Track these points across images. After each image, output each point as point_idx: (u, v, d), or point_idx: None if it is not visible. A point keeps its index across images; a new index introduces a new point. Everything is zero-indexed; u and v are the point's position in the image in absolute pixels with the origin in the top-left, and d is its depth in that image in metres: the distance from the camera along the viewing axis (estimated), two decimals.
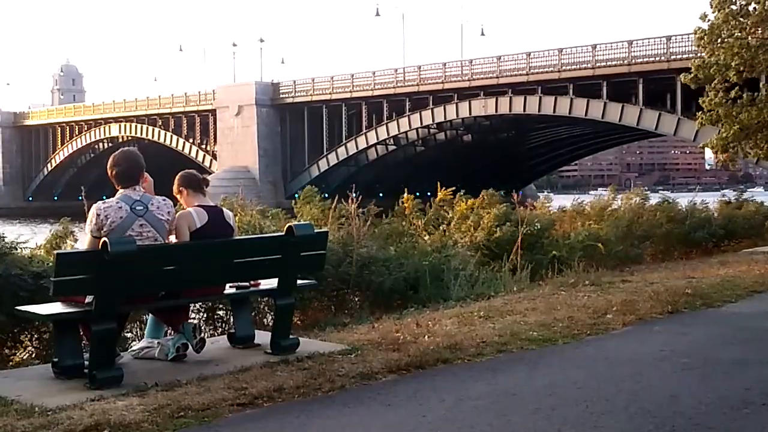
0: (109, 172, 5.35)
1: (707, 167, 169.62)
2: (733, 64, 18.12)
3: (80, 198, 7.48)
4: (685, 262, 13.37)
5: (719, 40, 18.78)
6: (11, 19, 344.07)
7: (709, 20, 19.21)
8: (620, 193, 17.10)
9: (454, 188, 12.38)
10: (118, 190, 5.32)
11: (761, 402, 4.43)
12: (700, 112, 20.93)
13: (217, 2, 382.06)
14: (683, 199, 18.27)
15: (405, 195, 11.55)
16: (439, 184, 12.28)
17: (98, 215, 5.13)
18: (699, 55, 19.95)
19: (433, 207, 11.81)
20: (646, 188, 19.07)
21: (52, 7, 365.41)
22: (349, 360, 5.36)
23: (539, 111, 44.47)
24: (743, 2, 18.72)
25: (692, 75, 19.50)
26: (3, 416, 4.21)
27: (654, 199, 17.26)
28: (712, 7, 19.28)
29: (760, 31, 18.54)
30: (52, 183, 76.84)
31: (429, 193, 12.65)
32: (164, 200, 5.43)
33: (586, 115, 42.38)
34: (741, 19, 18.40)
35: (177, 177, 5.82)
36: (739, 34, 18.44)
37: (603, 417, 4.18)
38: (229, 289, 5.83)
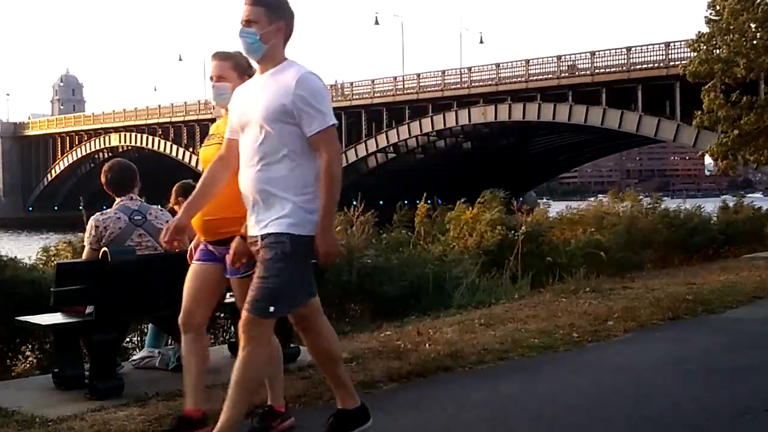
0: (102, 179, 5.36)
1: (707, 173, 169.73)
2: (741, 62, 18.16)
3: (80, 208, 7.49)
4: (685, 268, 13.36)
5: (725, 35, 18.85)
6: (11, 29, 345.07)
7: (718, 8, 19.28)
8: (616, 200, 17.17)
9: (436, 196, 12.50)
10: (114, 200, 5.33)
11: (763, 408, 4.42)
12: (699, 113, 20.91)
13: (216, 11, 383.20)
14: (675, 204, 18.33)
15: (420, 204, 11.74)
16: (437, 190, 12.37)
17: (97, 227, 5.14)
18: (701, 46, 19.91)
19: (435, 218, 11.86)
20: (645, 194, 19.10)
21: (51, 18, 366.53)
22: (350, 368, 5.35)
23: (538, 118, 44.51)
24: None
25: (693, 69, 19.51)
26: (3, 427, 4.20)
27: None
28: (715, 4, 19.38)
29: (759, 33, 18.61)
30: (52, 193, 76.88)
31: (429, 201, 12.70)
32: (161, 210, 5.45)
33: (585, 121, 42.40)
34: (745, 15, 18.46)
35: (174, 188, 5.82)
36: (740, 35, 18.52)
37: (605, 424, 4.17)
38: (229, 298, 5.82)
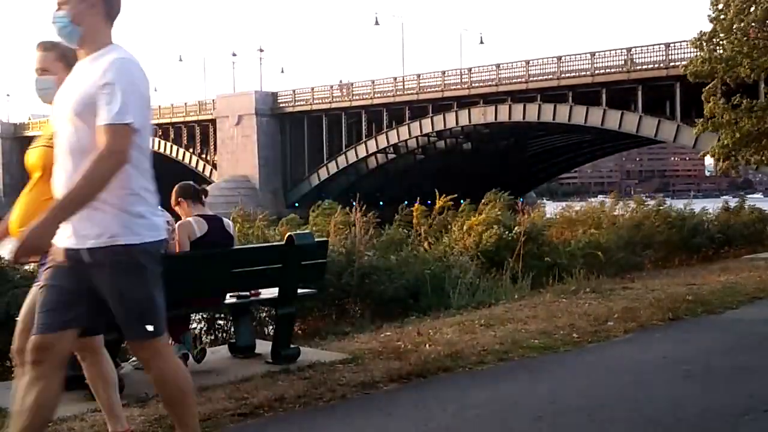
0: None
1: (707, 174, 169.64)
2: (745, 62, 18.20)
3: None
4: (685, 269, 13.36)
5: (729, 34, 18.90)
6: (10, 30, 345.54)
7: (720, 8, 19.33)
8: (619, 201, 17.24)
9: (453, 195, 12.52)
10: None
11: (763, 408, 4.42)
12: (701, 120, 20.96)
13: (216, 12, 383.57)
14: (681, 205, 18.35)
15: (416, 206, 11.88)
16: (437, 192, 12.39)
17: None
18: (703, 45, 19.93)
19: (435, 217, 11.91)
20: (646, 195, 19.15)
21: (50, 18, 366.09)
22: (350, 369, 5.36)
23: (538, 118, 44.52)
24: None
25: (694, 69, 19.53)
26: (3, 428, 4.20)
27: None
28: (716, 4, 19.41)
29: (758, 33, 18.66)
30: None
31: (429, 202, 12.72)
32: (161, 211, 5.43)
33: (585, 122, 42.41)
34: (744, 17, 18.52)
35: (174, 189, 5.81)
36: (742, 35, 18.56)
37: (606, 425, 4.17)
38: (229, 299, 5.83)
